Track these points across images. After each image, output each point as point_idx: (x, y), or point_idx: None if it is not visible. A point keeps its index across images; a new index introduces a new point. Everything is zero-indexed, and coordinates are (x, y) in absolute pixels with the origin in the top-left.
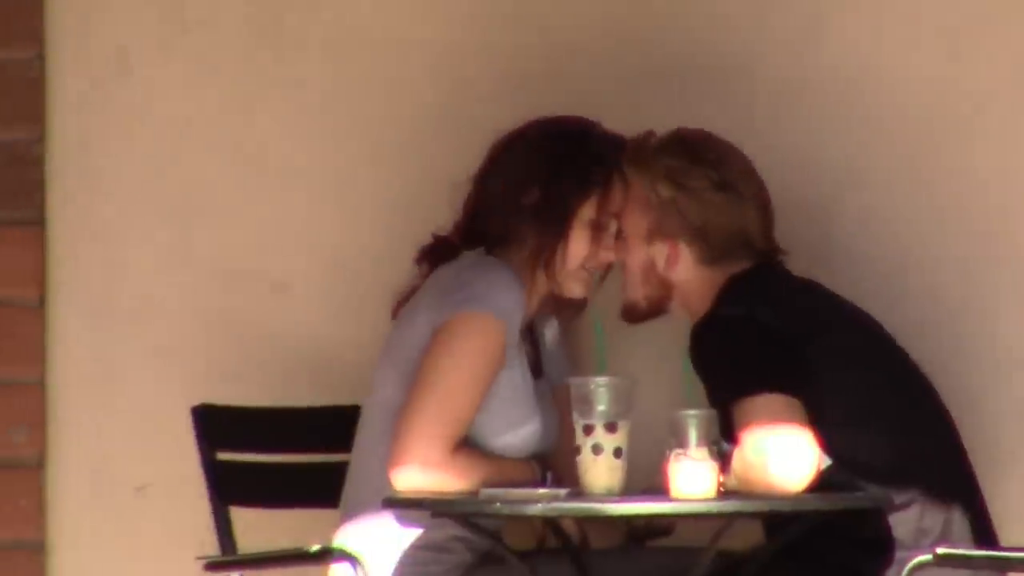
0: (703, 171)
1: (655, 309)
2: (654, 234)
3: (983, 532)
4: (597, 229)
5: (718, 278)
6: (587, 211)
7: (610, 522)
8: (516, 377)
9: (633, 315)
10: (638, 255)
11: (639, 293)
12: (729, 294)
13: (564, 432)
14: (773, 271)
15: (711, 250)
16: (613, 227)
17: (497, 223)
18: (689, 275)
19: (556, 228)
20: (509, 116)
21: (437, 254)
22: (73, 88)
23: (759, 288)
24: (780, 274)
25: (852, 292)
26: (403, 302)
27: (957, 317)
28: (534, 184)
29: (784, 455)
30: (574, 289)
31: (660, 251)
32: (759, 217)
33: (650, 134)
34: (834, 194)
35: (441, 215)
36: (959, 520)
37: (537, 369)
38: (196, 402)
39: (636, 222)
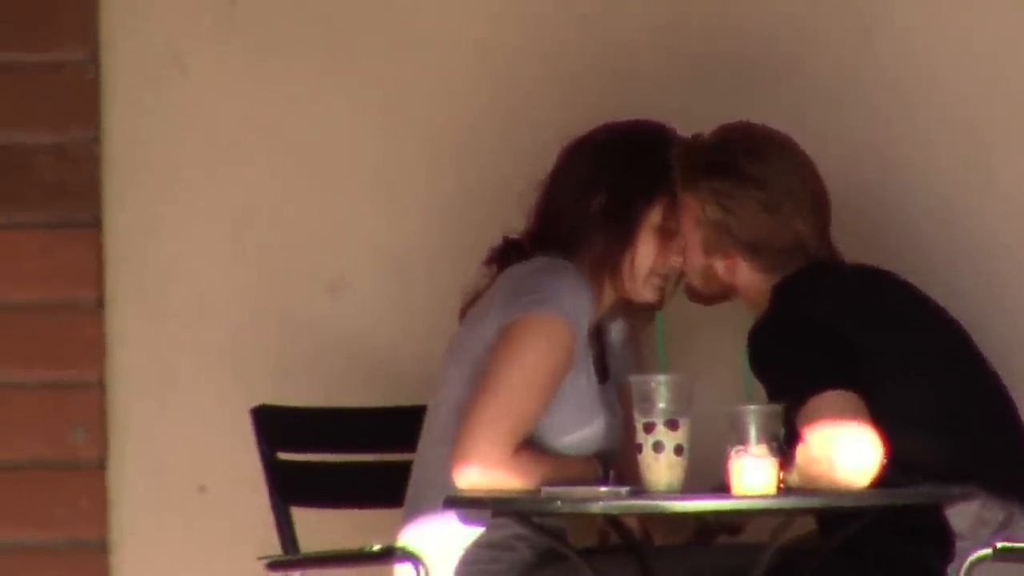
0: (749, 191)
1: (718, 299)
2: (710, 248)
3: None
4: (665, 235)
5: (779, 279)
6: (655, 217)
7: (674, 521)
8: (581, 380)
9: (695, 299)
10: (697, 262)
11: (701, 289)
12: (782, 297)
13: (628, 431)
14: (826, 269)
15: (767, 261)
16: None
17: (565, 228)
18: (749, 280)
19: (623, 234)
20: (563, 117)
21: (507, 256)
22: (128, 88)
23: (812, 288)
24: (835, 270)
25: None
26: (471, 302)
27: (1017, 308)
28: (602, 189)
29: (850, 451)
30: (645, 294)
31: (718, 262)
32: (812, 225)
33: (695, 143)
34: (884, 196)
35: (496, 216)
36: (1020, 514)
37: (603, 372)
38: (254, 402)
39: (691, 235)
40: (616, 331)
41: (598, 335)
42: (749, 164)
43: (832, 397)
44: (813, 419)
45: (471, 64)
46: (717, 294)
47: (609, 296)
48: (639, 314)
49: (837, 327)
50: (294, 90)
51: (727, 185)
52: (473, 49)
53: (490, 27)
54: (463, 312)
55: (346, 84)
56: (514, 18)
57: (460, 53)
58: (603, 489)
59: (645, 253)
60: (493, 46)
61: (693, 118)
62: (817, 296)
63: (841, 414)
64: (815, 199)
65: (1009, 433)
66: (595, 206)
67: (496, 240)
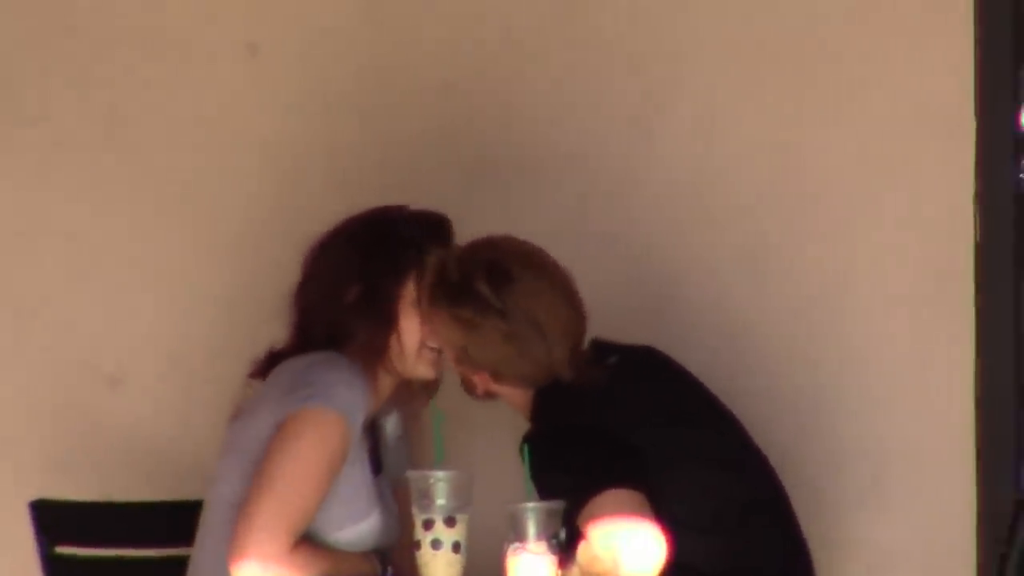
0: (492, 322)
1: (487, 398)
2: (460, 363)
3: None
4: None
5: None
6: (409, 293)
7: None
8: (356, 473)
9: (468, 393)
10: (454, 369)
11: (467, 389)
12: (544, 408)
13: (405, 526)
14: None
15: (511, 381)
16: None
17: (325, 325)
18: (503, 391)
19: (383, 317)
20: (346, 212)
21: (271, 369)
22: None
23: (571, 396)
24: (588, 378)
25: None
26: (241, 406)
27: (798, 409)
28: (351, 280)
29: (634, 548)
30: (420, 371)
31: (470, 374)
32: (559, 351)
33: (442, 265)
34: (668, 289)
35: (277, 312)
36: None
37: (376, 465)
38: (31, 496)
39: (443, 348)
40: (391, 425)
41: (372, 429)
42: (492, 294)
43: (613, 495)
44: (595, 517)
45: (253, 160)
46: (484, 395)
47: (386, 384)
48: (418, 399)
49: (605, 429)
50: (75, 185)
51: (468, 313)
52: (255, 144)
53: (273, 123)
54: (236, 409)
55: (127, 178)
56: (296, 114)
57: (243, 149)
58: None
59: (410, 329)
60: (276, 141)
61: (477, 210)
62: (579, 402)
63: (623, 511)
64: (564, 326)
65: (782, 528)
66: (350, 297)
67: (274, 339)
